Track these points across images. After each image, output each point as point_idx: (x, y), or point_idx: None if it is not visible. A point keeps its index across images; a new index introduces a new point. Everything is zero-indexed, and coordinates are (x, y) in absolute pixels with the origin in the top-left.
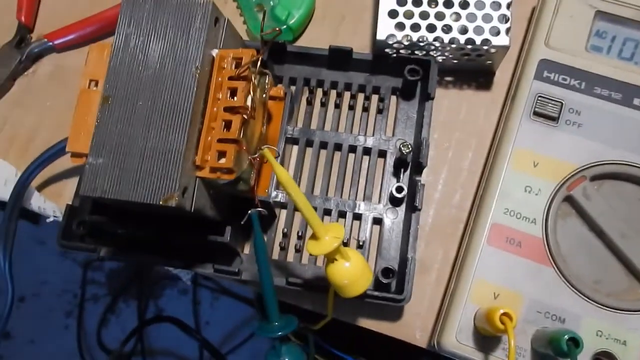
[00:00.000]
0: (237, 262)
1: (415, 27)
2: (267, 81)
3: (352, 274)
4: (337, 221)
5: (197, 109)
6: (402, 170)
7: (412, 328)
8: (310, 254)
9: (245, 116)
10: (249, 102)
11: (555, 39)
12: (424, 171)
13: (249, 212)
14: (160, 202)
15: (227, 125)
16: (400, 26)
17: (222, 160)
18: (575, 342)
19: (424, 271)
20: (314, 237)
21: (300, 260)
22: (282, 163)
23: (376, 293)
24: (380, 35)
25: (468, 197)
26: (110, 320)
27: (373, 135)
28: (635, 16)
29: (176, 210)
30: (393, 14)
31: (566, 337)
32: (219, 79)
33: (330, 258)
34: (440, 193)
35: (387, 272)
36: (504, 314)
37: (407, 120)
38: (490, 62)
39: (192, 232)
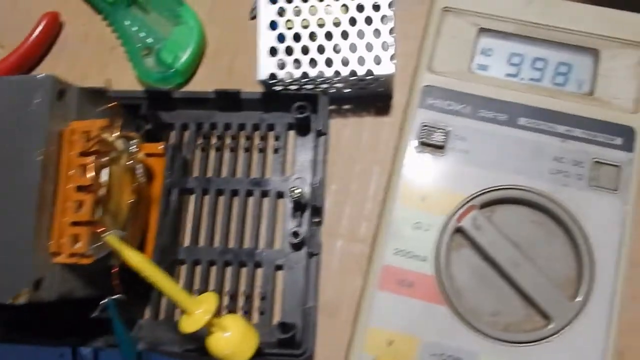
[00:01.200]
0: (135, 329)
1: (297, 63)
2: (133, 145)
3: (233, 344)
4: (239, 272)
5: (46, 192)
6: (300, 212)
7: None
8: (184, 333)
9: (98, 193)
10: (104, 177)
11: (438, 63)
12: (328, 206)
13: (101, 303)
14: (10, 301)
15: (80, 205)
16: (281, 64)
17: (77, 245)
18: None
19: (332, 314)
20: (185, 312)
21: None
22: (178, 217)
23: (275, 350)
24: (262, 75)
25: (373, 228)
26: None
27: (271, 176)
28: (519, 30)
29: (37, 303)
30: (273, 51)
31: None
32: (71, 153)
33: (208, 330)
34: (346, 228)
35: (284, 327)
36: None
37: (304, 156)
38: (382, 88)
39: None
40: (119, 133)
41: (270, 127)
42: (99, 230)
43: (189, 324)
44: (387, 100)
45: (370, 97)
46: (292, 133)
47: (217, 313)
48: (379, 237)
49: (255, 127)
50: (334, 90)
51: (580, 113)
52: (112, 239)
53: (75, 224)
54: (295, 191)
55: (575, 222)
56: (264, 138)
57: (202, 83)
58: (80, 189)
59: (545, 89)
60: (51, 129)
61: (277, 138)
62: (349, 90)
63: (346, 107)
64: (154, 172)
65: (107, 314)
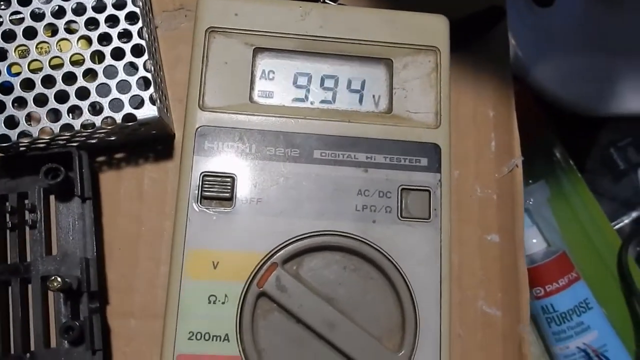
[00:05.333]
0: None
1: (32, 120)
2: None
3: None
4: None
5: None
6: (72, 301)
7: None
8: None
9: None
10: None
11: (212, 97)
12: (112, 283)
13: None
14: None
15: None
16: (11, 121)
17: None
18: None
19: None
20: None
21: None
22: None
23: None
24: None
25: None
26: None
27: (32, 259)
28: (300, 46)
29: None
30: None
31: None
32: None
33: None
34: (139, 303)
35: None
36: None
37: (73, 226)
38: (155, 131)
39: None
40: None
41: (22, 197)
42: None
43: None
44: (168, 141)
45: (147, 140)
46: (52, 199)
47: None
48: (168, 321)
49: (3, 199)
50: (96, 141)
51: (380, 136)
52: None
53: None
54: (56, 281)
55: (391, 261)
56: (14, 212)
57: None
58: None
59: (340, 112)
60: None
61: (32, 210)
62: (115, 138)
63: (118, 155)
64: None
65: None
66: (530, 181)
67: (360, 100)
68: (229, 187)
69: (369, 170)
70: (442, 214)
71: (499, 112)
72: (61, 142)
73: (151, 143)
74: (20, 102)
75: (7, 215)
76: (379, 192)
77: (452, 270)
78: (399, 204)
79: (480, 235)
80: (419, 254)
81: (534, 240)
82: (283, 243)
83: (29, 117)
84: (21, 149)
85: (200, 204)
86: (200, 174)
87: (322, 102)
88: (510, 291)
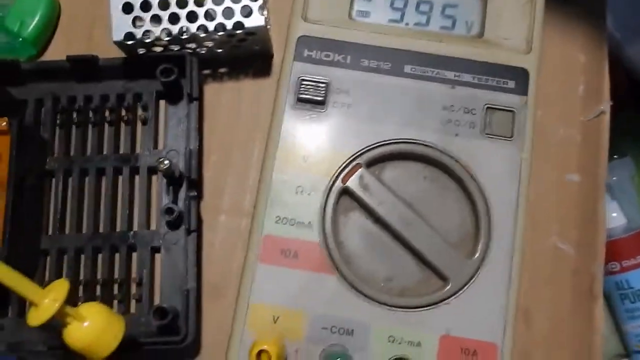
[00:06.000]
0: None
1: (156, 20)
2: None
3: (92, 334)
4: (112, 258)
5: None
6: (174, 187)
7: None
8: (32, 326)
9: None
10: None
11: (314, 11)
12: (207, 180)
13: None
14: None
15: None
16: (139, 21)
17: None
18: None
19: (220, 295)
20: (32, 304)
21: None
22: (37, 202)
23: (151, 339)
24: (117, 36)
25: None
26: None
27: (141, 151)
28: None
29: None
30: (127, 8)
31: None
32: None
33: (62, 322)
34: (227, 202)
35: (160, 311)
36: (262, 351)
37: (177, 127)
38: (257, 46)
39: None
40: None
41: (138, 97)
42: None
43: (37, 316)
44: (266, 59)
45: (248, 57)
46: (162, 102)
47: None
48: (258, 205)
49: (120, 98)
50: (205, 51)
51: (470, 57)
52: None
53: None
54: (164, 162)
55: (470, 174)
56: (130, 109)
57: (59, 55)
58: None
59: (432, 34)
60: None
61: (145, 108)
62: (221, 50)
63: (222, 70)
64: (0, 153)
65: None
66: (615, 156)
67: (453, 25)
68: (323, 91)
69: (456, 88)
70: (525, 134)
71: (591, 57)
72: (174, 49)
73: (251, 61)
74: (145, 6)
75: (124, 111)
76: (464, 109)
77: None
78: (483, 121)
79: (559, 174)
80: (498, 170)
81: (614, 215)
82: (368, 146)
83: (151, 20)
84: (140, 51)
85: (296, 104)
86: (298, 78)
87: (416, 24)
88: (586, 230)
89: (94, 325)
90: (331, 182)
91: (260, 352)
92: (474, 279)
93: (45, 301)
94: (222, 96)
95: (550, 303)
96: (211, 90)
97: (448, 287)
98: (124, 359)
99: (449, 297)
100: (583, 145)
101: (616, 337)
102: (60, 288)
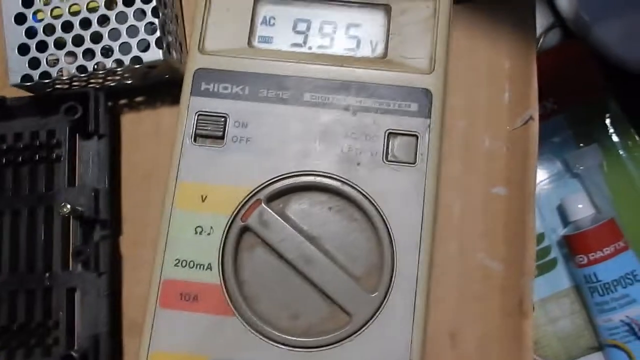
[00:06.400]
0: None
1: (53, 60)
2: None
3: None
4: (31, 300)
5: None
6: (88, 227)
7: None
8: None
9: None
10: None
11: (211, 41)
12: (129, 214)
13: None
14: None
15: None
16: (34, 63)
17: None
18: None
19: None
20: None
21: None
22: None
23: None
24: (13, 80)
25: None
26: None
27: (58, 189)
28: None
29: None
30: (23, 49)
31: None
32: None
33: None
34: (150, 237)
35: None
36: None
37: (90, 165)
38: (167, 75)
39: None
40: None
41: (51, 134)
42: None
43: None
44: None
45: (164, 84)
46: (77, 139)
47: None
48: (157, 248)
49: (34, 135)
50: (116, 83)
51: (372, 80)
52: None
53: None
54: (66, 207)
55: (373, 204)
56: (43, 147)
57: None
58: None
59: (336, 57)
60: None
61: (58, 145)
62: (131, 81)
63: (138, 99)
64: None
65: None
66: (581, 145)
67: (358, 45)
68: (222, 126)
69: (357, 114)
70: (428, 159)
71: (516, 63)
72: (83, 85)
73: (167, 88)
74: (42, 46)
75: (38, 149)
76: (365, 135)
77: (437, 216)
78: (385, 148)
79: (485, 187)
80: (402, 198)
81: (580, 206)
82: (268, 181)
83: (49, 60)
84: (47, 90)
85: (194, 141)
86: (196, 113)
87: (320, 47)
88: (514, 245)
89: None
90: (230, 220)
91: None
92: (377, 314)
93: None
94: (141, 127)
95: (479, 322)
96: (129, 119)
97: (350, 325)
98: None
99: (351, 335)
100: (510, 156)
101: (589, 331)
102: None
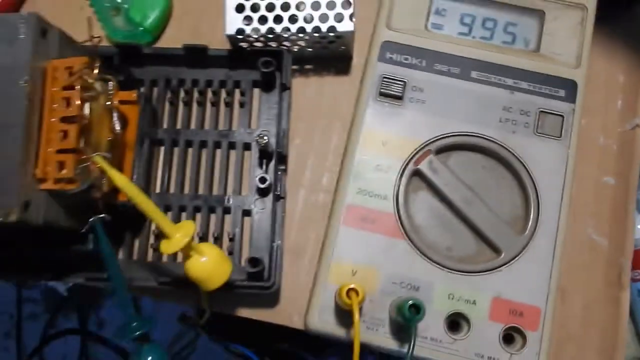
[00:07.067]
0: None
1: (263, 20)
2: (110, 87)
3: (209, 268)
4: (209, 217)
5: (32, 122)
6: (266, 161)
7: (288, 312)
8: (163, 253)
9: (82, 124)
10: (86, 110)
11: (396, 21)
12: (291, 159)
13: (90, 220)
14: (1, 219)
15: (65, 135)
16: (248, 19)
17: (63, 171)
18: (417, 308)
19: (298, 256)
20: (165, 236)
21: (175, 260)
22: (149, 166)
23: (245, 283)
24: (229, 30)
25: (335, 179)
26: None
27: (237, 129)
28: None
29: (26, 224)
30: (240, 8)
31: (409, 303)
32: (54, 89)
33: (185, 255)
34: (308, 179)
35: (254, 261)
36: (350, 289)
37: (269, 111)
38: (343, 47)
39: (58, 243)
40: (97, 73)
41: (237, 84)
42: (84, 157)
43: (169, 246)
44: (347, 60)
45: (331, 57)
46: (257, 91)
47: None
48: (343, 178)
49: (222, 84)
50: (297, 50)
51: (527, 67)
52: (99, 159)
53: (61, 151)
54: (263, 138)
55: (523, 165)
56: (230, 94)
57: (170, 43)
58: (64, 120)
59: (495, 46)
60: (34, 64)
61: (242, 94)
62: (311, 49)
63: (308, 66)
64: (127, 119)
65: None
66: None
67: (513, 40)
68: (401, 88)
69: (515, 93)
70: (572, 135)
71: (629, 78)
72: (272, 45)
73: (333, 61)
74: (255, 7)
75: (225, 94)
76: (520, 110)
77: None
78: (536, 122)
79: (597, 176)
80: (547, 163)
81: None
82: (438, 136)
83: (258, 20)
84: (245, 45)
85: (378, 98)
86: (381, 76)
87: (482, 37)
88: (617, 226)
89: (210, 261)
90: (405, 164)
91: (349, 290)
92: (523, 252)
93: (177, 235)
94: (307, 89)
95: (584, 286)
96: (297, 83)
97: (501, 258)
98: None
99: (501, 266)
100: (619, 153)
101: (635, 343)
102: (188, 227)
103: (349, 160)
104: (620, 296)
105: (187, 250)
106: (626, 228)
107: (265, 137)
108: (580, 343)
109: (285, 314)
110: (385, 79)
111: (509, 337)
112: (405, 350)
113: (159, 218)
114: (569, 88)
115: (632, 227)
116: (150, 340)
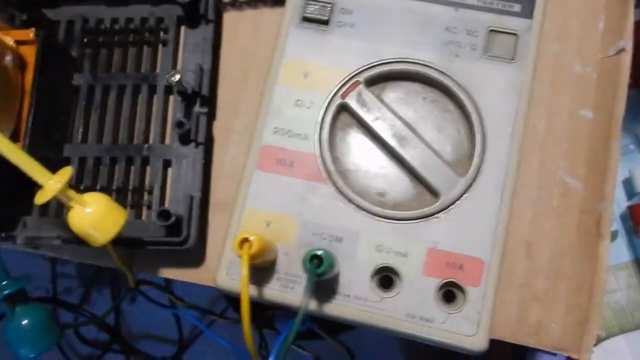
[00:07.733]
0: (19, 226)
1: None
2: None
3: (93, 219)
4: (128, 169)
5: None
6: (188, 104)
7: (212, 271)
8: (36, 204)
9: None
10: None
11: None
12: (222, 102)
13: None
14: None
15: None
16: None
17: None
18: (320, 260)
19: (226, 211)
20: (39, 185)
21: None
22: (63, 113)
23: (156, 239)
24: None
25: None
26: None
27: (160, 71)
28: None
29: None
30: None
31: (310, 254)
32: None
33: (66, 206)
34: (240, 123)
35: (164, 214)
36: (243, 240)
37: (195, 49)
38: None
39: None
40: None
41: (160, 21)
42: None
43: (42, 195)
44: None
45: None
46: (183, 29)
47: None
48: (259, 117)
49: (144, 21)
50: None
51: None
52: None
53: None
54: (174, 76)
55: (468, 95)
56: (152, 32)
57: None
58: None
59: None
60: None
61: (165, 31)
62: None
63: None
64: (26, 61)
65: None
66: None
67: None
68: (328, 11)
69: (460, 10)
70: (527, 57)
71: None
72: None
73: None
74: None
75: (146, 33)
76: (466, 30)
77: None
78: (485, 43)
79: (571, 109)
80: (497, 91)
81: None
82: (368, 64)
83: None
84: None
85: (301, 23)
86: None
87: None
88: (596, 168)
89: (96, 212)
90: (330, 97)
91: (243, 241)
92: (464, 195)
93: (50, 182)
94: (241, 25)
95: (555, 236)
96: (230, 18)
97: (438, 202)
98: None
99: (438, 212)
100: (599, 83)
101: None
102: (64, 172)
103: (266, 95)
104: (598, 246)
105: (67, 201)
106: (607, 169)
107: (177, 75)
108: (547, 303)
109: (209, 273)
110: (309, 1)
111: (449, 294)
112: (330, 312)
113: (27, 166)
114: (526, 1)
115: (615, 168)
116: (28, 300)
